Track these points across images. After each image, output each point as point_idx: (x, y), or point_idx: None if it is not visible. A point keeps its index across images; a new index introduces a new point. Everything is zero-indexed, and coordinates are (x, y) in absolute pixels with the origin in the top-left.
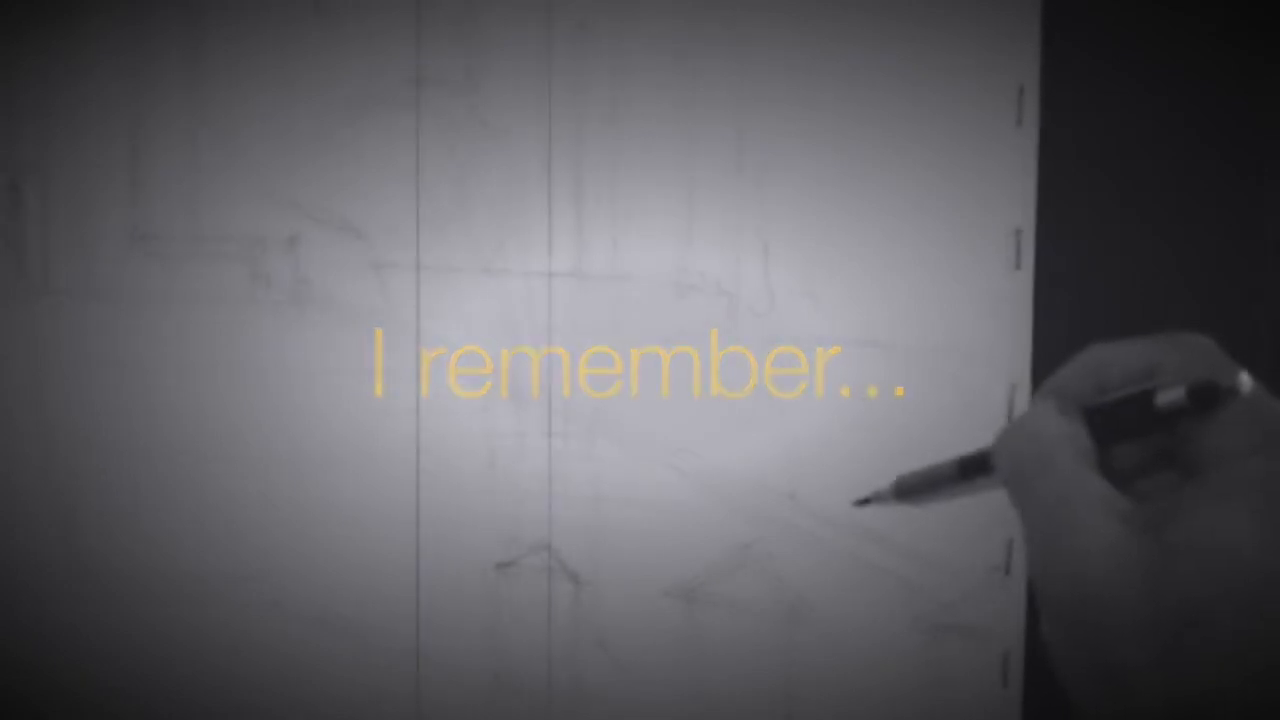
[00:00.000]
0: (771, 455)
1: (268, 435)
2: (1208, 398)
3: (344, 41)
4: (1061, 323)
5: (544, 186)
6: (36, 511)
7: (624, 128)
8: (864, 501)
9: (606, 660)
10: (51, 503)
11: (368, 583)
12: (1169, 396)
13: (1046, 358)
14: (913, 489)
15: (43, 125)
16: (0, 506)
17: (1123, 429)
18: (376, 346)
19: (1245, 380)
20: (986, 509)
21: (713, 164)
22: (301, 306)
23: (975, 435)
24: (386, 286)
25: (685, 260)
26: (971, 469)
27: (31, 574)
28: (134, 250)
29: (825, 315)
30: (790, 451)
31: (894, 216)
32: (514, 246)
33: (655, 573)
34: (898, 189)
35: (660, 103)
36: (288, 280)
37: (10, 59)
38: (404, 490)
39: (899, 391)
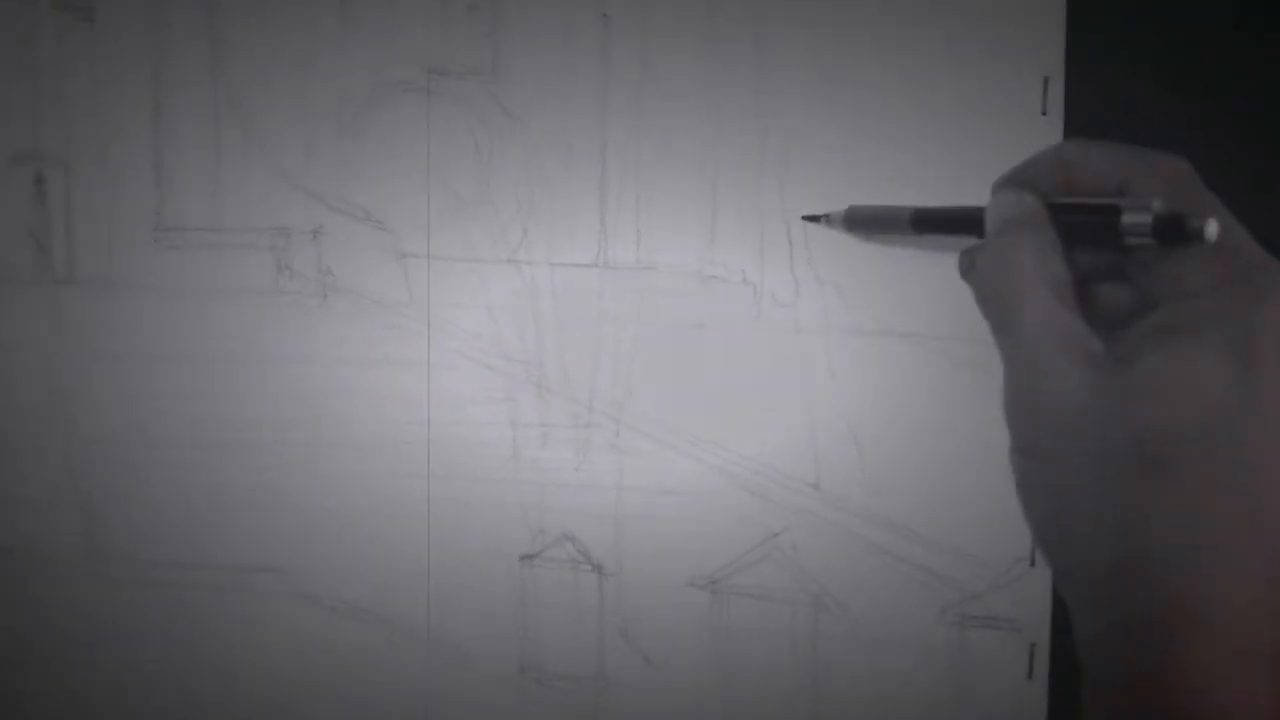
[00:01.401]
0: (796, 446)
1: (291, 426)
2: (1173, 232)
3: (366, 30)
4: None
5: (566, 176)
6: (57, 502)
7: (647, 117)
8: (813, 218)
9: (631, 651)
10: (72, 493)
11: (390, 574)
12: (1134, 219)
13: None
14: (863, 221)
15: (67, 117)
16: (21, 496)
17: (1082, 235)
18: (400, 337)
19: (1213, 228)
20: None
21: (737, 153)
22: (325, 297)
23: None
24: (410, 277)
25: (709, 250)
26: (926, 225)
27: (51, 564)
28: (157, 241)
29: (850, 305)
30: (814, 442)
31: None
32: (537, 237)
33: (680, 563)
34: (922, 179)
35: (683, 91)
36: (311, 271)
37: (34, 50)
38: (428, 482)
39: (924, 382)
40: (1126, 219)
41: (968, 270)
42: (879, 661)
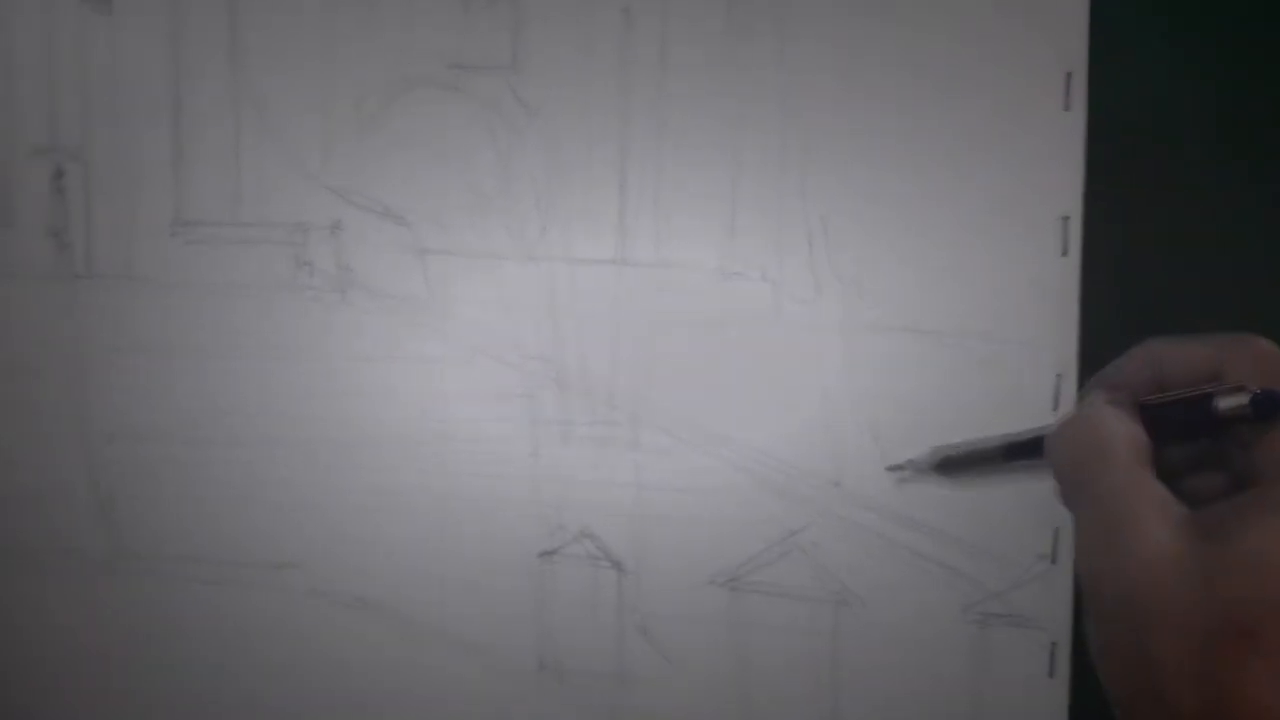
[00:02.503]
0: (816, 443)
1: (310, 422)
2: (1271, 408)
3: (386, 24)
4: (1109, 310)
5: (586, 173)
6: (76, 497)
7: (667, 114)
8: (898, 468)
9: (650, 648)
10: (91, 488)
11: (409, 571)
12: (1230, 402)
13: (1093, 346)
14: (955, 465)
15: (86, 111)
16: (39, 492)
17: (1178, 429)
18: (418, 333)
19: None
20: (1033, 496)
21: (757, 150)
22: (344, 293)
23: (1021, 424)
24: (428, 273)
25: (729, 247)
26: (1018, 453)
27: (69, 559)
28: (176, 236)
29: (870, 303)
30: (835, 439)
31: (940, 202)
32: (556, 233)
33: (699, 561)
34: (944, 175)
35: (704, 87)
36: (330, 267)
37: (53, 44)
38: (447, 478)
39: (944, 379)
40: (1224, 403)
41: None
42: (899, 659)
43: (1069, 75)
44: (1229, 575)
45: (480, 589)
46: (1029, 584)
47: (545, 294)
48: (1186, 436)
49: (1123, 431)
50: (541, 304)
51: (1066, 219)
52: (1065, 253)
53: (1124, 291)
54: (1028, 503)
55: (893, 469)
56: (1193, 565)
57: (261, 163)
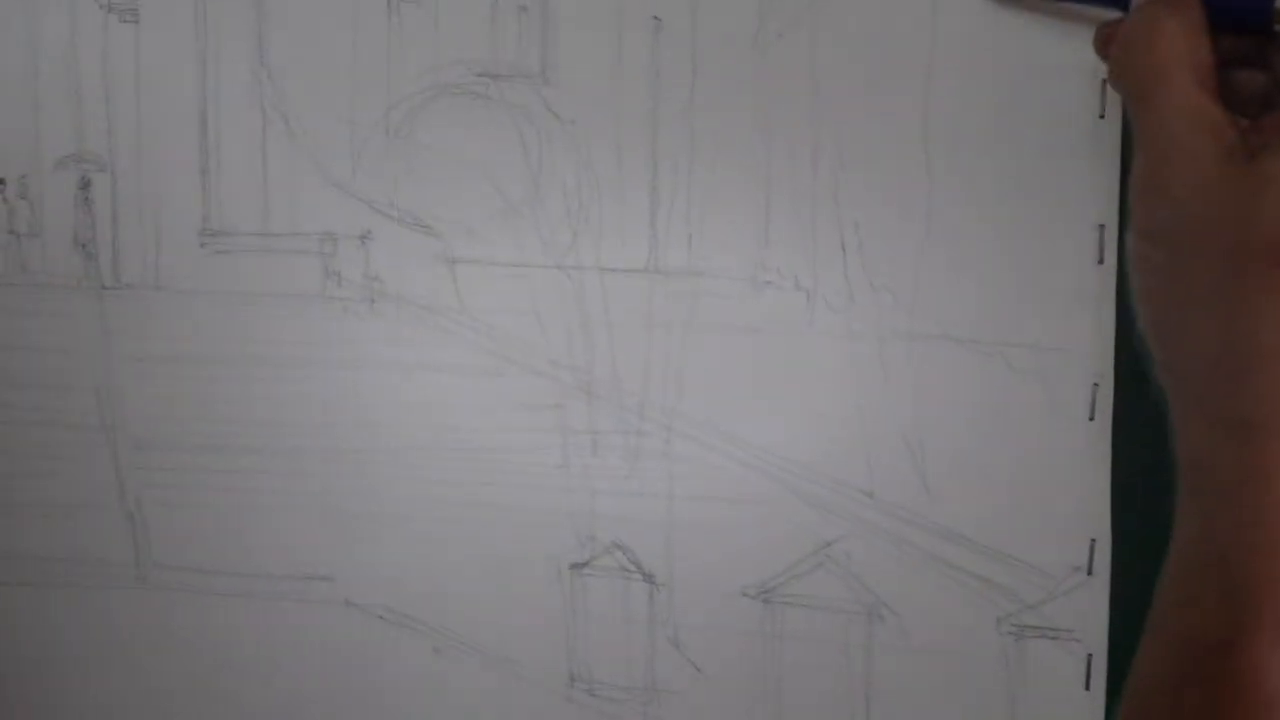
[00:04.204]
0: (849, 453)
1: (339, 433)
2: None
3: (414, 32)
4: None
5: (617, 181)
6: (105, 508)
7: (699, 120)
8: None
9: (682, 661)
10: (119, 500)
11: (439, 583)
12: None
13: (1130, 354)
14: None
15: (112, 121)
16: (69, 503)
17: (1229, 19)
18: (448, 343)
19: None
20: (1068, 509)
21: (789, 157)
22: (373, 302)
23: (1058, 433)
24: (458, 282)
25: (761, 256)
26: None
27: (98, 570)
28: (204, 246)
29: (904, 310)
30: (869, 449)
31: (974, 210)
32: (587, 242)
33: (732, 572)
34: (978, 183)
35: (736, 94)
36: (359, 276)
37: (79, 53)
38: (477, 489)
39: (980, 388)
40: None
41: (1104, 45)
42: (934, 672)
43: (1104, 82)
44: (1265, 194)
45: (511, 601)
46: (1064, 596)
47: (576, 303)
48: (1237, 28)
49: (1185, 51)
50: (572, 313)
51: (1102, 227)
52: (1101, 260)
53: None
54: (1063, 514)
55: None
56: (1235, 186)
57: (290, 172)
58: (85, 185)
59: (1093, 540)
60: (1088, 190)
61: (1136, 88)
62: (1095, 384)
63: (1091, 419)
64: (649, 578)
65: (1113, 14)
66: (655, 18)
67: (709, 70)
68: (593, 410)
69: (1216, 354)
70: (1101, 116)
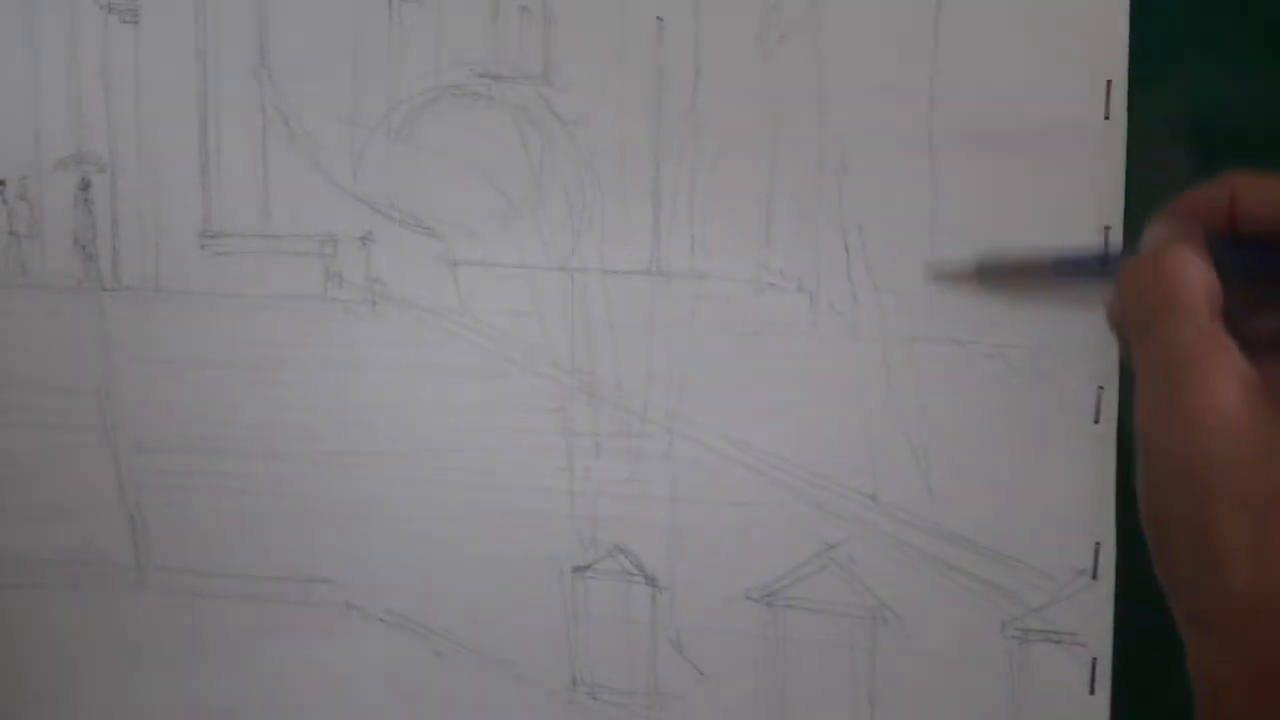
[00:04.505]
0: (853, 456)
1: (340, 435)
2: None
3: (415, 33)
4: None
5: (620, 183)
6: (105, 511)
7: (701, 122)
8: (938, 270)
9: (685, 664)
10: (119, 502)
11: (441, 585)
12: None
13: None
14: (997, 272)
15: (112, 122)
16: (66, 504)
17: (1249, 268)
18: (450, 345)
19: None
20: (1072, 512)
21: (792, 158)
22: (374, 304)
23: (1064, 434)
24: (460, 284)
25: (764, 257)
26: (1066, 270)
27: (97, 571)
28: (204, 248)
29: (907, 313)
30: (872, 452)
31: (978, 213)
32: (589, 244)
33: (734, 575)
34: (982, 185)
35: (738, 95)
36: (360, 278)
37: (79, 53)
38: (479, 491)
39: (984, 391)
40: None
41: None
42: (938, 676)
43: (1109, 83)
44: None
45: (513, 604)
46: (1069, 599)
47: (578, 305)
48: (1251, 277)
49: (1199, 279)
50: (575, 315)
51: (1107, 229)
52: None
53: None
54: (1067, 517)
55: (932, 269)
56: (1258, 433)
57: (290, 173)
58: (85, 186)
59: (1097, 544)
60: (1092, 193)
61: (1144, 316)
62: (1100, 387)
63: (1096, 422)
64: (651, 580)
65: (1099, 282)
66: (658, 18)
67: (712, 71)
68: (595, 412)
69: (1246, 595)
70: (1107, 118)
